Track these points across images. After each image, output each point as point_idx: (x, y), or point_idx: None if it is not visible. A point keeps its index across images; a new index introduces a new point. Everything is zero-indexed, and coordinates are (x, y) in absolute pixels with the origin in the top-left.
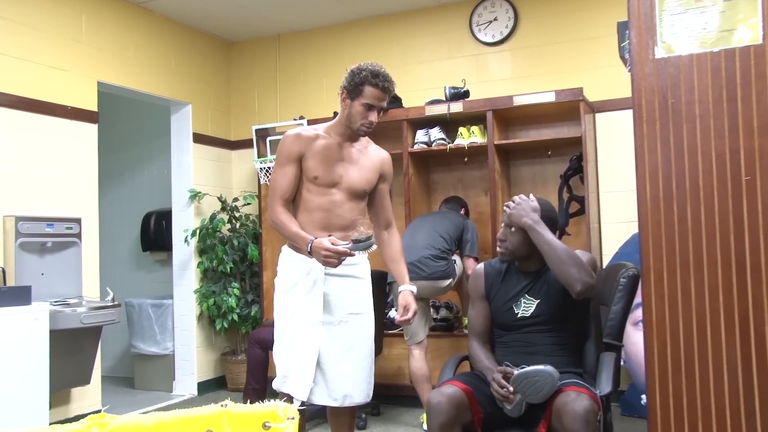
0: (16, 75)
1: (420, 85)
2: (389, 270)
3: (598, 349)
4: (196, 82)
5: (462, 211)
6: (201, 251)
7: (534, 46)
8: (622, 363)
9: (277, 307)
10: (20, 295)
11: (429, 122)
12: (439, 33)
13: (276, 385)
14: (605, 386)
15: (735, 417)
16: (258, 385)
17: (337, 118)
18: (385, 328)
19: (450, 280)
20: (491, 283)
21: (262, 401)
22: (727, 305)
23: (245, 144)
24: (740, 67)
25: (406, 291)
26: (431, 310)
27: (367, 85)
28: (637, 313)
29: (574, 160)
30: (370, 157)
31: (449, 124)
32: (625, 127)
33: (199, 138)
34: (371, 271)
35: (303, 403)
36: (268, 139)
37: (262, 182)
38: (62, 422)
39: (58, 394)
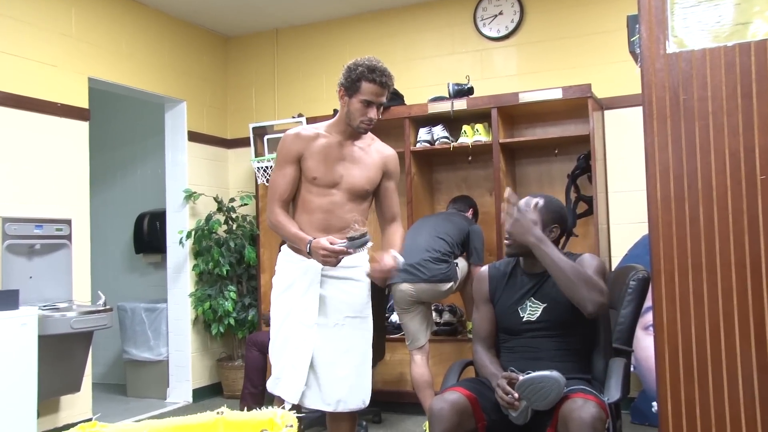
0: (2, 70)
1: (423, 81)
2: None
3: (606, 354)
4: (191, 78)
5: (470, 212)
6: (196, 253)
7: (540, 41)
8: (632, 369)
9: (273, 307)
10: (7, 300)
11: (432, 120)
12: (442, 28)
13: (269, 386)
14: (614, 393)
15: (750, 426)
16: (255, 389)
17: (336, 116)
18: (386, 333)
19: (451, 283)
20: (495, 285)
21: (260, 407)
22: (742, 309)
23: (242, 142)
24: (755, 61)
25: (391, 251)
26: (434, 314)
27: (364, 81)
28: (648, 317)
29: (582, 159)
30: (372, 155)
31: (453, 122)
32: (634, 124)
33: (194, 136)
34: None
35: (301, 410)
36: (266, 137)
37: (259, 182)
38: None
39: (47, 403)
